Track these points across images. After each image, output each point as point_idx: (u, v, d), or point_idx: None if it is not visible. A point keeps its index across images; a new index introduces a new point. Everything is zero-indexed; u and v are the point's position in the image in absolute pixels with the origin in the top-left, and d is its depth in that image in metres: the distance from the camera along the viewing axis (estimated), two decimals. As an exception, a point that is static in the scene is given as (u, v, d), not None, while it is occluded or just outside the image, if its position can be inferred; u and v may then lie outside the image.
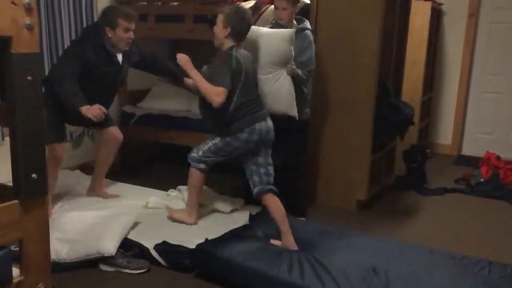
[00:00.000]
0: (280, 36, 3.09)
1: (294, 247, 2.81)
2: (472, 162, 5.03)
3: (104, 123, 3.22)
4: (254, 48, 3.07)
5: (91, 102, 2.91)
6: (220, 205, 3.37)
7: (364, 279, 2.48)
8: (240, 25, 2.85)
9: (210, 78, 2.84)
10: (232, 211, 3.34)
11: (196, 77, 2.87)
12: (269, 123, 2.97)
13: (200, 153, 3.03)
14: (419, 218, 3.79)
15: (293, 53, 3.14)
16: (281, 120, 3.26)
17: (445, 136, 5.86)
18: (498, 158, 4.69)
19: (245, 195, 3.52)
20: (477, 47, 5.59)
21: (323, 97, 3.76)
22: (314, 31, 3.60)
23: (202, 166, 3.04)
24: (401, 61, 4.34)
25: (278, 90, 3.12)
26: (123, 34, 3.04)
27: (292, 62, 3.15)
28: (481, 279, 2.56)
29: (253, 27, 3.05)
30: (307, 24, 3.33)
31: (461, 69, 5.65)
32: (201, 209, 3.30)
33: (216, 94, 2.76)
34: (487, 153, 4.78)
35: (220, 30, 2.86)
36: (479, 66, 5.62)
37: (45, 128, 3.00)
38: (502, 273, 2.62)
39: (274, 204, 2.91)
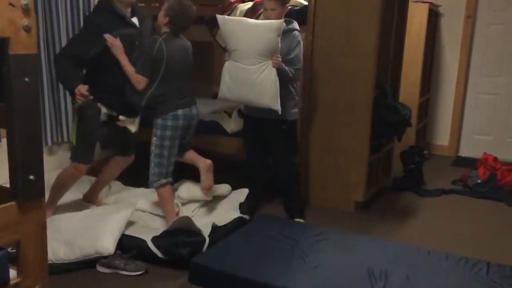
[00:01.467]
0: (267, 27, 3.12)
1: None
2: (470, 163, 5.04)
3: (126, 147, 3.31)
4: (240, 38, 3.11)
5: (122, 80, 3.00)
6: (202, 195, 3.33)
7: (361, 281, 2.48)
8: (179, 18, 3.01)
9: (135, 60, 3.00)
10: (215, 197, 3.36)
11: (123, 61, 2.98)
12: (194, 110, 3.15)
13: (156, 170, 3.08)
14: (417, 219, 3.80)
15: (279, 45, 3.15)
16: (271, 122, 3.29)
17: (442, 137, 5.87)
18: (495, 159, 4.70)
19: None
20: (474, 48, 5.60)
21: (320, 98, 3.76)
22: (311, 33, 3.62)
23: (169, 179, 3.12)
24: (399, 63, 4.35)
25: (263, 82, 3.15)
26: None
27: (278, 55, 3.15)
28: (479, 280, 2.57)
29: (240, 18, 3.08)
30: (296, 25, 3.35)
31: (458, 70, 5.66)
32: (189, 208, 3.33)
33: (137, 81, 2.99)
34: (484, 154, 4.80)
35: (161, 16, 3.04)
36: (476, 67, 5.63)
37: (78, 146, 3.10)
38: (500, 274, 2.62)
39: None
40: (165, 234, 2.87)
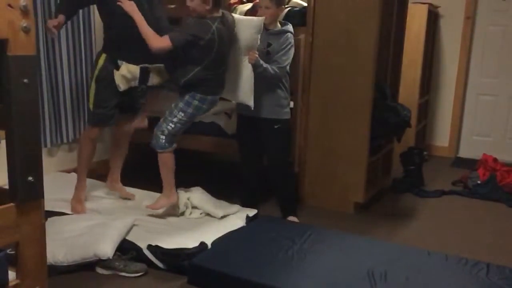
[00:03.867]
0: (247, 23, 3.15)
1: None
2: (469, 164, 5.04)
3: (129, 106, 3.35)
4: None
5: (135, 46, 3.00)
6: (213, 209, 3.33)
7: (361, 282, 2.48)
8: None
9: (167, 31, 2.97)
10: (223, 216, 3.30)
11: (139, 21, 2.93)
12: (218, 97, 3.21)
13: (168, 131, 3.10)
14: (417, 220, 3.80)
15: (258, 42, 3.18)
16: (264, 121, 3.30)
17: (442, 138, 5.87)
18: (495, 160, 4.70)
19: (243, 197, 3.54)
20: (474, 49, 5.61)
21: (319, 99, 3.76)
22: (311, 34, 3.63)
23: (174, 146, 3.16)
24: (398, 64, 4.35)
25: (236, 78, 3.20)
26: None
27: (256, 51, 3.17)
28: (479, 281, 2.56)
29: (226, 11, 3.11)
30: (290, 27, 3.36)
31: (457, 71, 5.66)
32: (197, 211, 3.32)
33: (159, 41, 2.91)
34: (484, 155, 4.79)
35: (198, 3, 2.94)
36: (475, 68, 5.64)
37: (92, 111, 3.17)
38: (500, 275, 2.62)
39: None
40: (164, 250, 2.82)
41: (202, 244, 2.83)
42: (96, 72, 3.17)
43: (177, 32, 2.98)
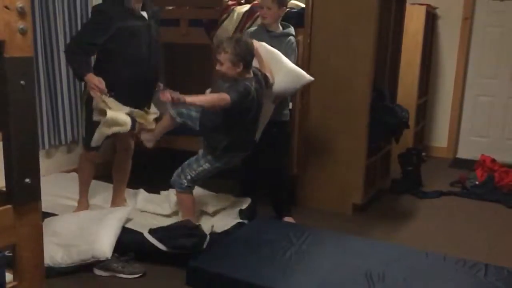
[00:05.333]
0: (297, 79, 3.16)
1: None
2: (468, 165, 5.05)
3: (123, 139, 3.28)
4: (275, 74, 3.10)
5: (135, 73, 2.99)
6: (203, 206, 3.31)
7: (359, 283, 2.48)
8: (250, 56, 2.87)
9: (226, 90, 2.81)
10: (215, 212, 3.31)
11: (195, 101, 2.75)
12: (249, 152, 3.12)
13: (191, 177, 3.00)
14: (415, 221, 3.80)
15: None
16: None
17: (440, 139, 5.87)
18: (493, 161, 4.70)
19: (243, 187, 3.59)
20: (472, 50, 5.61)
21: (318, 100, 3.76)
22: (308, 35, 3.63)
23: (193, 188, 3.06)
24: (396, 65, 4.35)
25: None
26: None
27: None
28: (477, 282, 2.57)
29: (279, 56, 3.11)
30: (292, 30, 3.35)
31: (456, 72, 5.66)
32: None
33: (220, 100, 2.74)
34: (482, 156, 4.80)
35: (228, 67, 2.81)
36: (474, 69, 5.64)
37: (86, 136, 3.09)
38: (498, 276, 2.62)
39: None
40: (164, 228, 2.88)
41: (200, 230, 2.86)
42: (85, 96, 3.09)
43: (227, 89, 2.82)
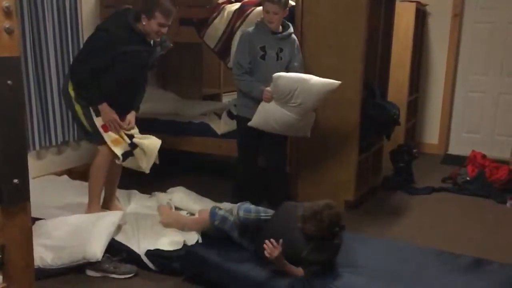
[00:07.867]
0: (323, 88, 3.19)
1: None
2: (459, 161, 5.07)
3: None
4: (303, 95, 3.14)
5: (122, 90, 3.06)
6: (195, 209, 3.27)
7: (352, 279, 2.48)
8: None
9: None
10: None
11: (289, 270, 2.51)
12: None
13: (218, 221, 2.80)
14: (407, 217, 3.81)
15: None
16: None
17: (431, 135, 5.90)
18: (483, 156, 4.73)
19: (236, 193, 3.54)
20: (462, 47, 5.64)
21: (309, 98, 3.76)
22: (299, 33, 3.63)
23: (217, 222, 2.83)
24: (387, 62, 4.36)
25: (303, 125, 3.37)
26: (156, 27, 2.97)
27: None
28: (469, 275, 2.58)
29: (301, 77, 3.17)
30: (292, 27, 3.38)
31: (446, 69, 5.69)
32: (182, 212, 3.32)
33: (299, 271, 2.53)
34: (472, 152, 4.82)
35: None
36: (464, 65, 5.67)
37: (92, 126, 3.06)
38: (489, 270, 2.64)
39: None
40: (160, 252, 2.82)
41: (186, 246, 2.81)
42: (72, 93, 3.04)
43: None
